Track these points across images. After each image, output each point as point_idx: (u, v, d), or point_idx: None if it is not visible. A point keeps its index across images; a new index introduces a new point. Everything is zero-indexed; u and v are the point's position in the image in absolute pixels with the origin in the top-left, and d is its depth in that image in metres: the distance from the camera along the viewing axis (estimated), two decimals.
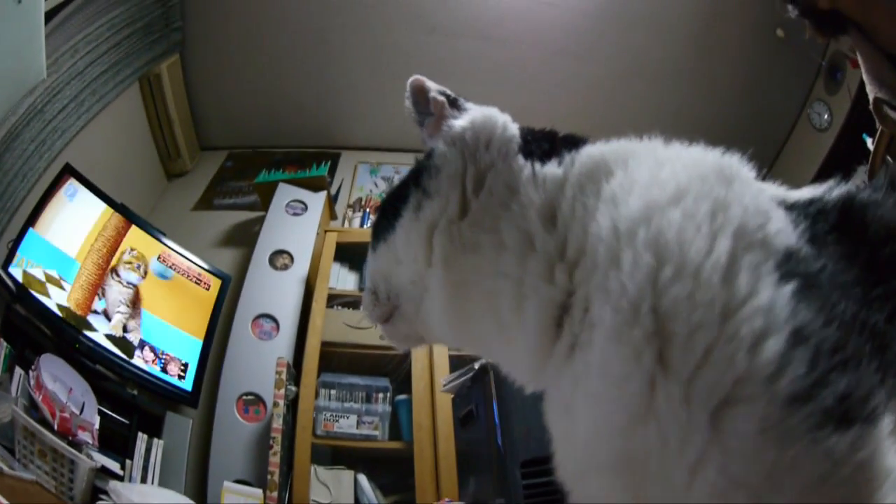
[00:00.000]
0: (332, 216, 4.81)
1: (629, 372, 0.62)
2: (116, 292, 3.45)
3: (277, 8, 4.49)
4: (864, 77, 2.62)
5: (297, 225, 4.38)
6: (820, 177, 3.49)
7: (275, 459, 3.21)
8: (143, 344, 3.46)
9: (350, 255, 4.21)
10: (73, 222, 3.38)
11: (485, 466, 2.59)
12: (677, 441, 0.58)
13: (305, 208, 4.46)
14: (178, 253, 3.91)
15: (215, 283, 4.01)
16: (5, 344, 2.72)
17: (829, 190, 0.78)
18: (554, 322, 0.75)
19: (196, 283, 3.92)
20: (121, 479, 2.86)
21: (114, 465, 2.85)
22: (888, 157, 2.75)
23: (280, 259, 4.17)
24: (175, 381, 3.54)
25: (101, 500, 2.56)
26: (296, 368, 3.63)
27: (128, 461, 3.00)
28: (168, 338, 3.63)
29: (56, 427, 2.51)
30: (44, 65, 2.91)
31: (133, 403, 3.28)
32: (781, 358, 0.56)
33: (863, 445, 0.54)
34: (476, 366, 2.61)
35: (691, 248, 0.64)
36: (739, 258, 0.63)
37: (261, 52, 4.75)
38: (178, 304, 3.77)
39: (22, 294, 2.93)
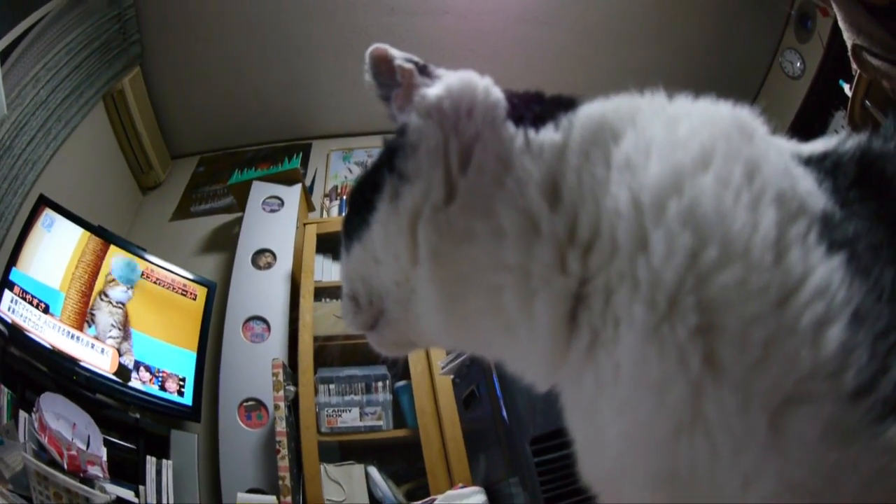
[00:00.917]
0: (310, 208, 4.77)
1: (671, 377, 0.54)
2: (107, 314, 3.41)
3: (234, 6, 4.41)
4: (841, 25, 2.62)
5: (275, 222, 4.32)
6: (797, 124, 3.53)
7: (283, 463, 3.20)
8: (137, 365, 3.43)
9: (332, 245, 4.17)
10: (54, 253, 3.34)
11: (493, 445, 2.59)
12: (730, 450, 0.52)
13: (282, 203, 4.41)
14: (161, 267, 3.86)
15: (201, 292, 3.97)
16: (6, 390, 2.69)
17: (841, 142, 0.71)
18: (568, 316, 0.65)
19: (182, 294, 3.88)
20: None
21: (128, 494, 2.85)
22: (867, 102, 2.77)
23: (262, 258, 4.13)
24: (175, 397, 3.52)
25: None
26: (292, 367, 3.61)
27: (140, 487, 3.00)
28: (162, 354, 3.60)
29: (66, 466, 2.51)
30: (3, 102, 2.87)
31: (137, 427, 3.27)
32: (845, 347, 0.50)
33: None
34: None
35: (735, 221, 0.56)
36: (787, 230, 0.56)
37: (221, 52, 4.67)
38: (166, 318, 3.74)
39: (14, 335, 2.90)
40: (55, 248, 3.36)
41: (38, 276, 3.18)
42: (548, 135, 0.71)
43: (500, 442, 2.50)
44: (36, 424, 2.56)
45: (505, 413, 2.39)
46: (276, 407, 3.35)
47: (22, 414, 2.66)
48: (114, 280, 3.54)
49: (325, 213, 4.78)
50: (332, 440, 3.53)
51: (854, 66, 2.70)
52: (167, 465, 3.21)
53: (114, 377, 3.27)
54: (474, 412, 2.76)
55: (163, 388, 3.48)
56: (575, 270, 0.64)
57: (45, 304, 3.14)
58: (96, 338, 3.32)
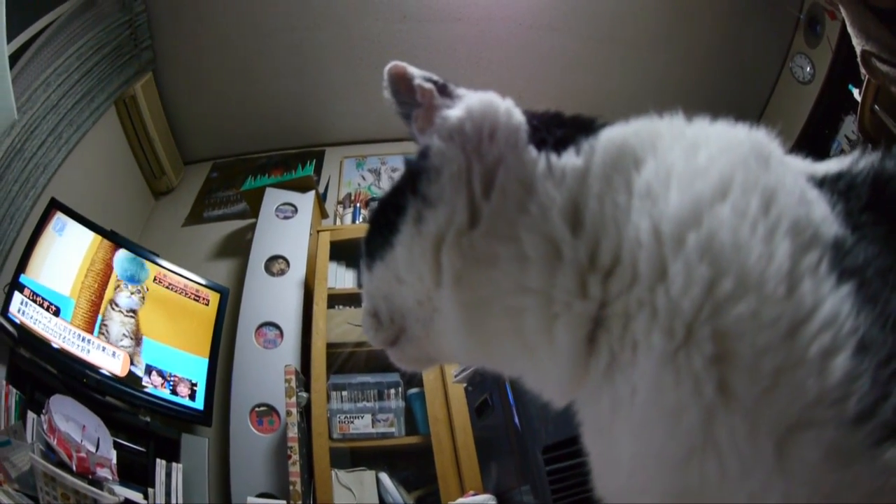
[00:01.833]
0: (324, 215, 4.78)
1: (686, 403, 0.56)
2: (118, 324, 3.42)
3: (247, 13, 4.44)
4: (850, 30, 2.63)
5: (288, 228, 4.34)
6: (807, 129, 3.52)
7: (294, 469, 3.20)
8: (149, 369, 3.44)
9: (346, 252, 4.19)
10: (65, 257, 3.35)
11: (505, 453, 2.59)
12: (738, 472, 0.54)
13: (295, 210, 4.43)
14: (173, 272, 3.87)
15: (214, 298, 3.98)
16: (15, 391, 2.69)
17: (855, 162, 0.71)
18: (587, 338, 0.66)
19: (195, 300, 3.89)
20: None
21: (137, 496, 2.84)
22: (876, 107, 2.77)
23: (276, 265, 4.14)
24: (186, 401, 3.53)
25: None
26: (304, 374, 3.62)
27: (150, 490, 3.00)
28: (174, 360, 3.61)
29: (75, 468, 2.50)
30: (13, 106, 2.88)
31: (147, 430, 3.28)
32: (849, 376, 0.52)
33: None
34: None
35: (751, 254, 0.57)
36: (800, 261, 0.57)
37: (234, 58, 4.71)
38: (178, 324, 3.75)
39: (24, 337, 2.90)
40: (67, 253, 3.36)
41: (49, 280, 3.19)
42: (570, 159, 0.72)
43: (512, 450, 2.50)
44: (45, 426, 2.56)
45: (517, 421, 2.39)
46: (289, 413, 3.35)
47: (31, 415, 2.66)
48: (121, 284, 3.54)
49: (338, 221, 4.79)
50: (344, 446, 3.52)
51: (863, 71, 2.70)
52: (177, 468, 3.21)
53: (124, 380, 3.28)
54: (487, 420, 2.76)
55: (174, 391, 3.49)
56: (595, 295, 0.65)
57: (55, 306, 3.14)
58: (108, 341, 3.33)
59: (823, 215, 0.62)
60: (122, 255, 3.63)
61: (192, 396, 3.57)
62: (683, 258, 0.59)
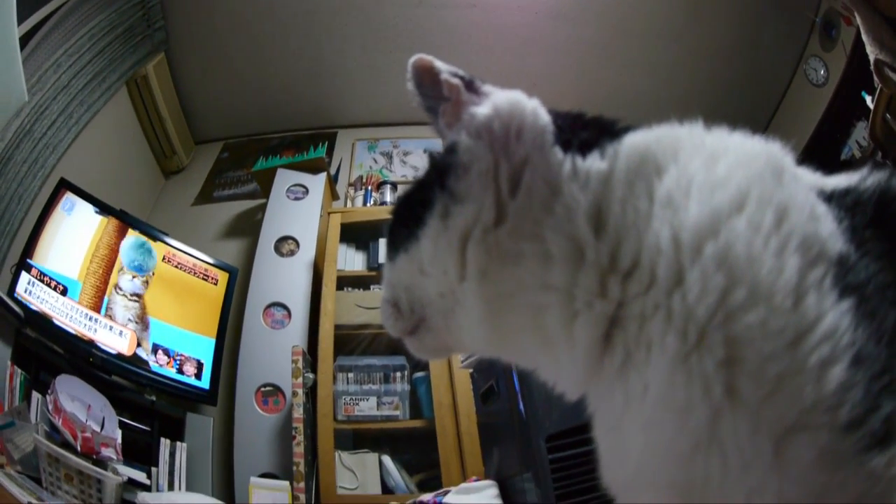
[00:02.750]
0: (335, 197, 4.79)
1: (695, 402, 0.59)
2: (122, 308, 3.43)
3: None
4: (864, 38, 2.62)
5: (299, 209, 4.35)
6: (819, 132, 3.51)
7: (298, 449, 3.21)
8: (156, 348, 3.46)
9: (356, 234, 4.21)
10: (74, 237, 3.35)
11: (508, 440, 2.59)
12: (739, 468, 0.57)
13: (306, 192, 4.43)
14: (182, 251, 3.89)
15: (223, 277, 4.00)
16: (20, 371, 2.70)
17: (863, 178, 0.73)
18: (604, 336, 0.69)
19: (203, 279, 3.91)
20: (148, 488, 2.88)
21: (140, 476, 2.86)
22: (888, 116, 2.76)
23: (285, 245, 4.16)
24: (192, 380, 3.55)
25: None
26: (311, 355, 3.63)
27: (153, 469, 3.02)
28: (180, 339, 3.63)
29: (79, 448, 2.50)
30: (24, 88, 2.87)
31: (152, 409, 3.30)
32: (843, 386, 0.56)
33: None
34: None
35: (763, 266, 0.61)
36: (806, 276, 0.60)
37: (247, 39, 4.69)
38: (186, 304, 3.76)
39: (30, 317, 2.91)
40: (76, 233, 3.37)
41: (57, 259, 3.19)
42: (594, 163, 0.74)
43: (515, 437, 2.50)
44: (50, 406, 2.57)
45: (522, 409, 2.39)
46: (294, 393, 3.36)
47: (35, 395, 2.68)
48: (124, 269, 3.54)
49: (349, 203, 4.79)
50: (348, 428, 3.54)
51: (876, 80, 2.70)
52: (181, 447, 3.24)
53: (131, 359, 3.30)
54: (491, 407, 2.76)
55: (180, 371, 3.51)
56: (614, 295, 0.68)
57: (63, 286, 3.15)
58: (114, 321, 3.34)
59: (830, 231, 0.64)
60: (128, 242, 3.63)
61: (199, 375, 3.59)
62: (700, 267, 0.62)
